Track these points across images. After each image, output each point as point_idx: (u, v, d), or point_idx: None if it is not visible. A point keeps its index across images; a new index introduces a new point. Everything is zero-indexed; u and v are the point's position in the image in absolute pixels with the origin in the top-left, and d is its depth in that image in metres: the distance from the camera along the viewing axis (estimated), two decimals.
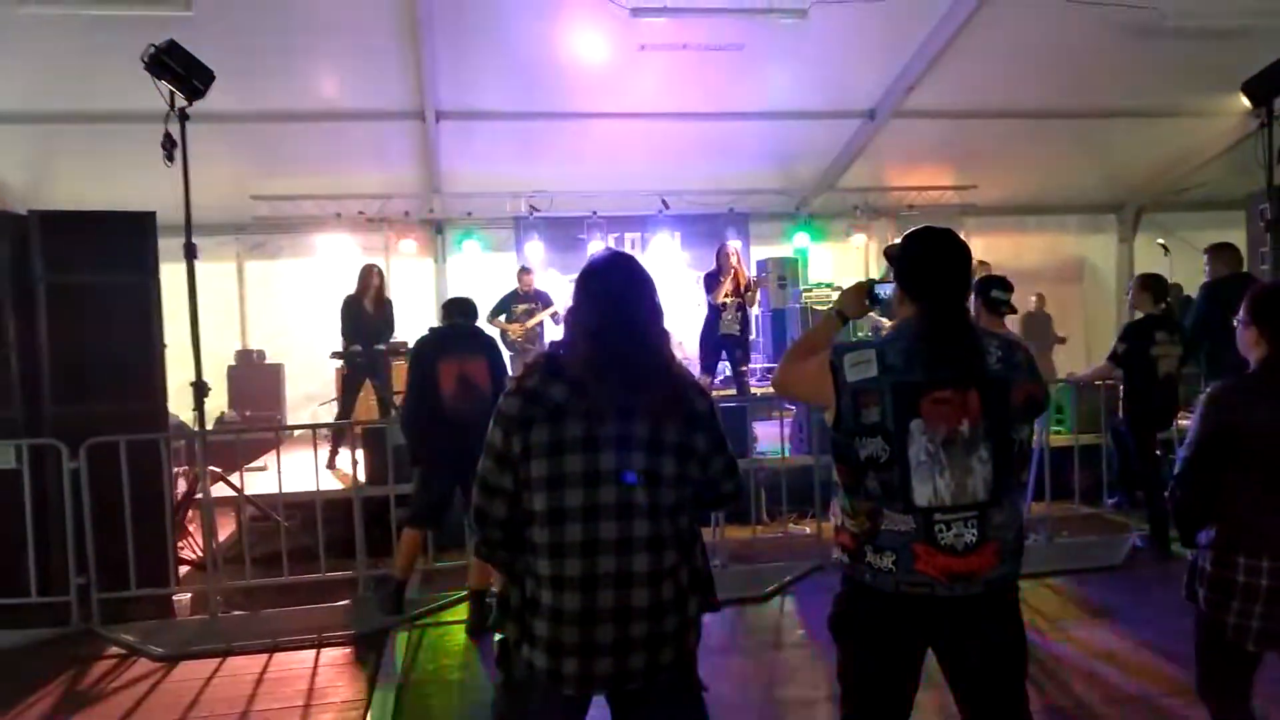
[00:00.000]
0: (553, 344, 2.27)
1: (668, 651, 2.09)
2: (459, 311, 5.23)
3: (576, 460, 2.05)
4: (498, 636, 2.19)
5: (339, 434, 7.68)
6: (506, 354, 8.15)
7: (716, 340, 8.46)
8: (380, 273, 8.58)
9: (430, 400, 4.89)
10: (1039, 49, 8.07)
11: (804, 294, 10.49)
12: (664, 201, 10.42)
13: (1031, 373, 2.27)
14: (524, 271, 9.58)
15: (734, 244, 8.98)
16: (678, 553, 2.11)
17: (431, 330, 5.32)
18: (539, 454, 2.06)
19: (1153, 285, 5.95)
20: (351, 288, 8.37)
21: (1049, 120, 9.45)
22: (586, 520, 2.04)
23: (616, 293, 2.19)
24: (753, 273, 9.68)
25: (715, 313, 8.41)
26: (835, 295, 9.22)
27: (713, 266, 8.54)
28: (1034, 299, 10.14)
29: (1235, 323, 2.61)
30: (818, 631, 4.63)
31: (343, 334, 8.32)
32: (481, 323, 5.61)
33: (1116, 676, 4.15)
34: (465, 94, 8.42)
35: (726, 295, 8.31)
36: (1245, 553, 2.49)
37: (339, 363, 8.96)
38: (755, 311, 9.73)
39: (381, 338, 8.29)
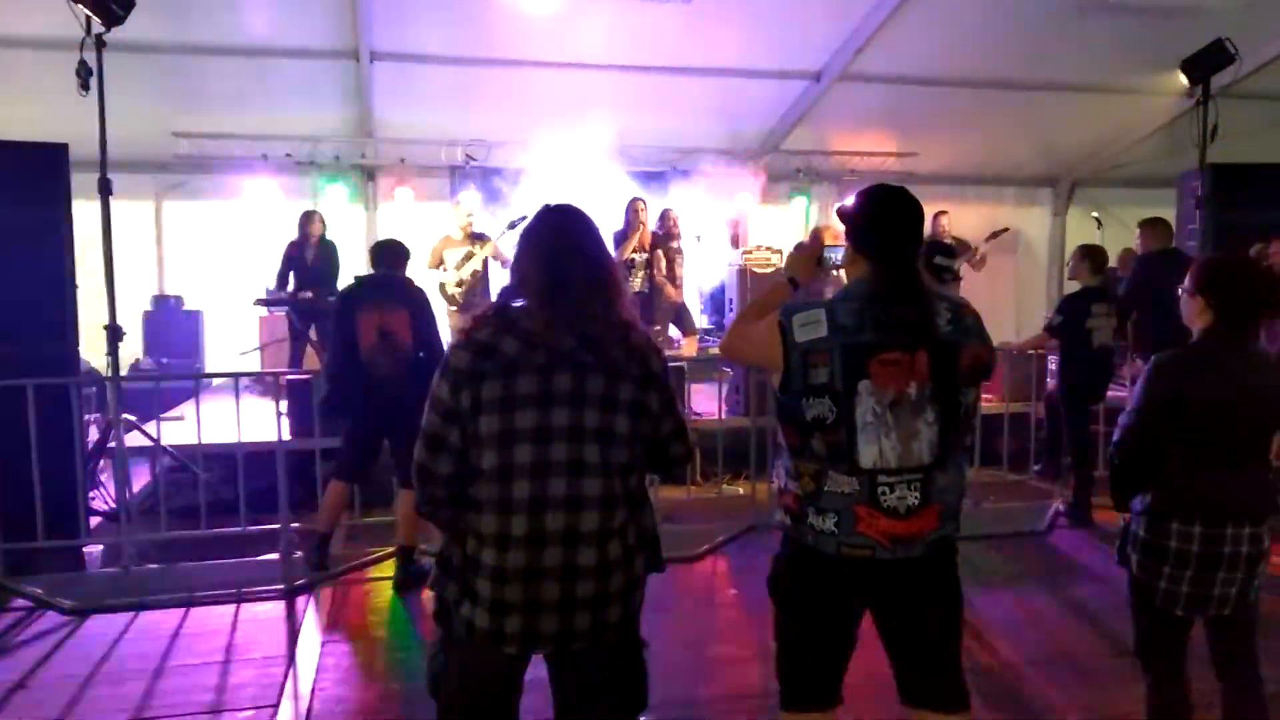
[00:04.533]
0: (502, 292, 2.17)
1: (614, 610, 2.04)
2: (387, 258, 4.99)
3: (529, 416, 1.97)
4: (428, 593, 2.11)
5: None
6: (447, 308, 7.91)
7: None
8: (322, 219, 8.49)
9: (351, 353, 4.74)
10: (986, 19, 8.05)
11: (745, 255, 10.42)
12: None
13: (980, 336, 2.25)
14: (456, 206, 8.45)
15: (676, 206, 8.82)
16: (627, 511, 2.05)
17: (356, 279, 5.14)
18: (490, 409, 1.98)
19: (1092, 256, 5.97)
20: (277, 233, 8.15)
21: (991, 90, 9.43)
22: (535, 476, 1.96)
23: (565, 244, 2.10)
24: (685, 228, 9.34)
25: (624, 270, 8.33)
26: (776, 257, 9.22)
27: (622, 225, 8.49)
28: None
29: (1180, 292, 2.61)
30: (750, 591, 4.65)
31: (278, 281, 8.09)
32: (422, 272, 5.43)
33: (1040, 638, 4.25)
34: (402, 35, 8.10)
35: (634, 251, 8.33)
36: (1179, 519, 2.52)
37: (263, 310, 8.71)
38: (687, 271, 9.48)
39: (325, 285, 7.99)
